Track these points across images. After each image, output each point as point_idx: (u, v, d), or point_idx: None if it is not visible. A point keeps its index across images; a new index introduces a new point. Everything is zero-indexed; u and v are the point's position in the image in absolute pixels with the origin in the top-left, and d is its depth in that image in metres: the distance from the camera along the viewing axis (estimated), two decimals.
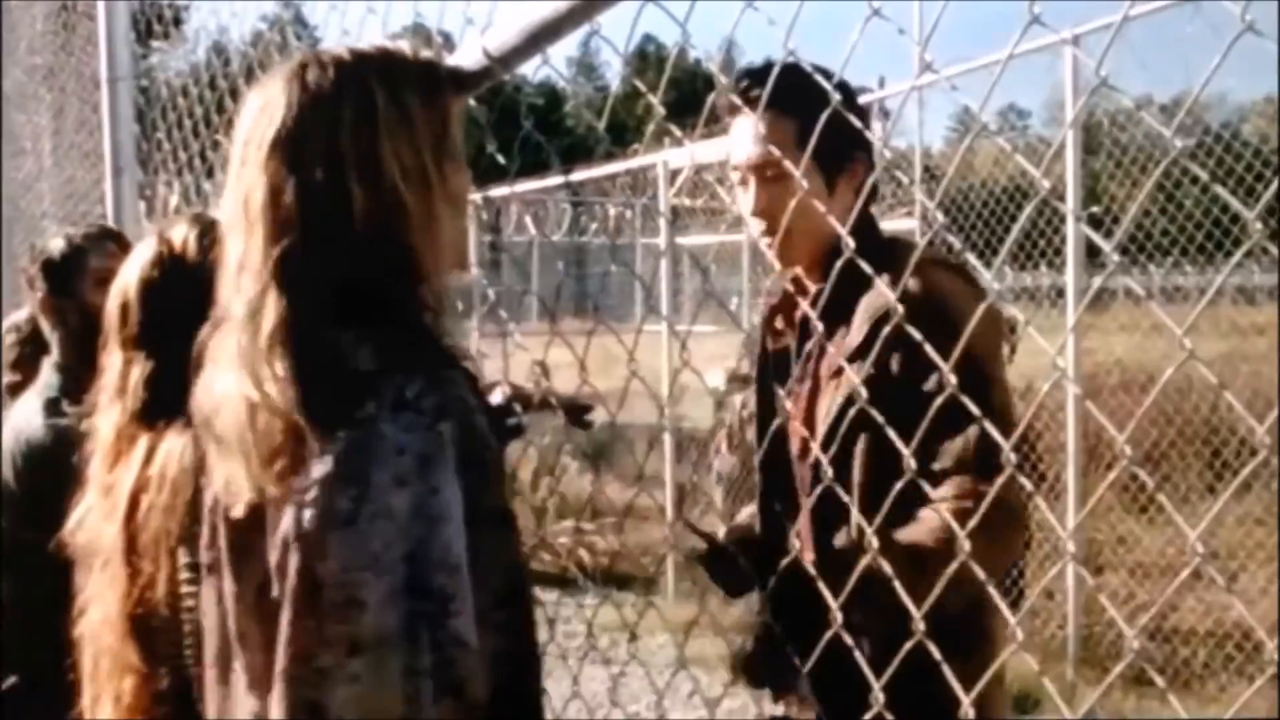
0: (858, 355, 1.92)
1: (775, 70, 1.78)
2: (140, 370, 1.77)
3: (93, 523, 1.76)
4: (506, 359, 2.87)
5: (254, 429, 1.23)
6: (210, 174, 4.04)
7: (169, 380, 1.72)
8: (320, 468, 1.18)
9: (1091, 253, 7.33)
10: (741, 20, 1.61)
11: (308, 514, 1.17)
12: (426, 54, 1.44)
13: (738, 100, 2.06)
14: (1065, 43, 5.55)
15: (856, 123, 1.91)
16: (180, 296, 1.68)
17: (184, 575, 1.64)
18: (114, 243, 2.81)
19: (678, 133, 2.10)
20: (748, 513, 2.40)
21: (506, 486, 1.36)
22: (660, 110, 1.81)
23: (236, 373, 1.26)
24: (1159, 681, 1.81)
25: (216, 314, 1.34)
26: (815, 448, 1.91)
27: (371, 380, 1.22)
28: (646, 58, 68.71)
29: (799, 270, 2.24)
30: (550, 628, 2.06)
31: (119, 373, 1.78)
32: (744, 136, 2.13)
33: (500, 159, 2.14)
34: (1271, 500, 6.68)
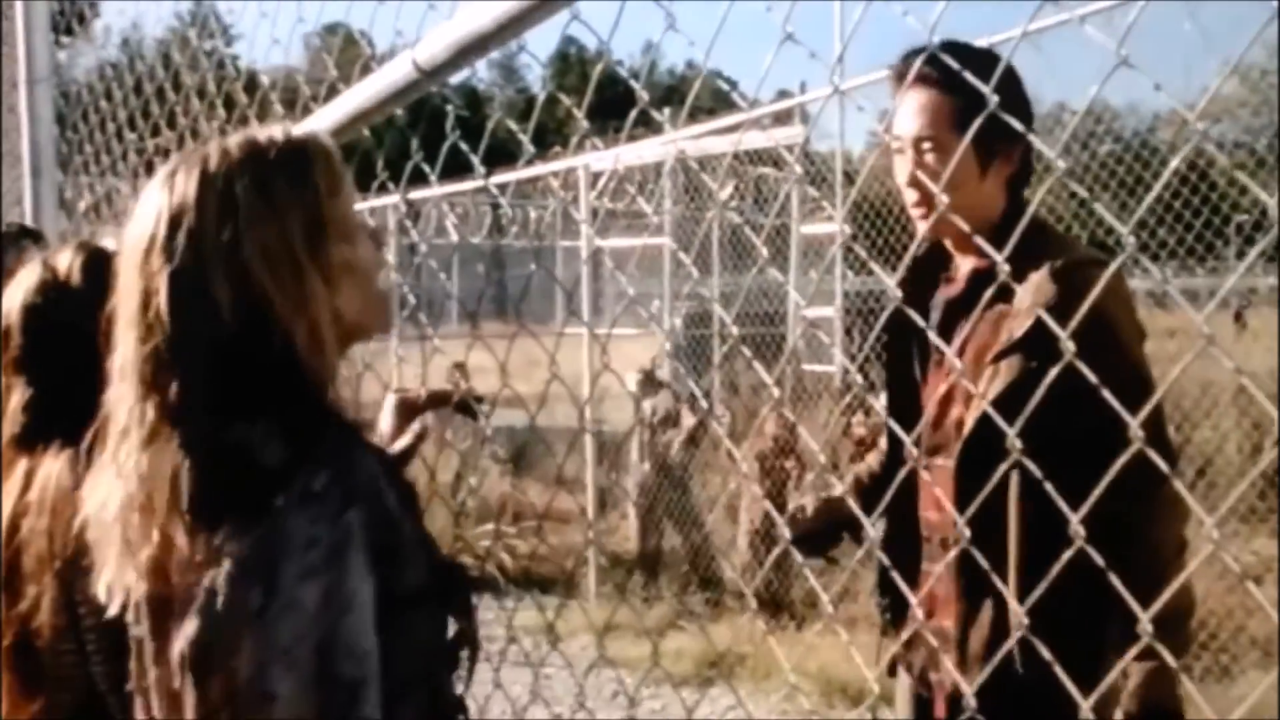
0: (1024, 343, 2.03)
1: (943, 51, 1.83)
2: (20, 395, 1.79)
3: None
4: (426, 363, 2.85)
5: (126, 526, 1.28)
6: (116, 173, 4.00)
7: (48, 405, 1.77)
8: (229, 564, 1.21)
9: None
10: (662, 23, 1.62)
11: (219, 608, 1.21)
12: (300, 132, 1.45)
13: (906, 74, 2.13)
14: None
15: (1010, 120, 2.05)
16: (62, 323, 1.74)
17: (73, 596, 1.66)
18: (32, 242, 2.76)
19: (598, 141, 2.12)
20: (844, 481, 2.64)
21: (424, 561, 1.36)
22: (584, 124, 1.84)
23: (111, 476, 1.31)
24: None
25: (101, 413, 1.39)
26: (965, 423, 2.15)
27: (279, 475, 1.24)
28: (568, 59, 68.74)
29: (949, 244, 2.36)
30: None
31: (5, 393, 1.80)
32: (907, 110, 2.22)
33: (423, 166, 2.17)
34: (1219, 514, 6.81)
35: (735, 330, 1.88)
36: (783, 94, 10.14)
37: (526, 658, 2.39)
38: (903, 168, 2.28)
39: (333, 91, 2.22)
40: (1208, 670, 5.66)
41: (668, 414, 8.14)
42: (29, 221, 3.35)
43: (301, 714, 1.17)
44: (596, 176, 9.54)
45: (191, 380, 1.29)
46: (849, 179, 9.23)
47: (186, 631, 1.23)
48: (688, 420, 8.11)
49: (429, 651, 1.38)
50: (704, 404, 8.43)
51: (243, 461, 1.26)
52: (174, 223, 1.33)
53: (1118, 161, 6.88)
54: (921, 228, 2.27)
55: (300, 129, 1.47)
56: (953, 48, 2.05)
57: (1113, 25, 4.51)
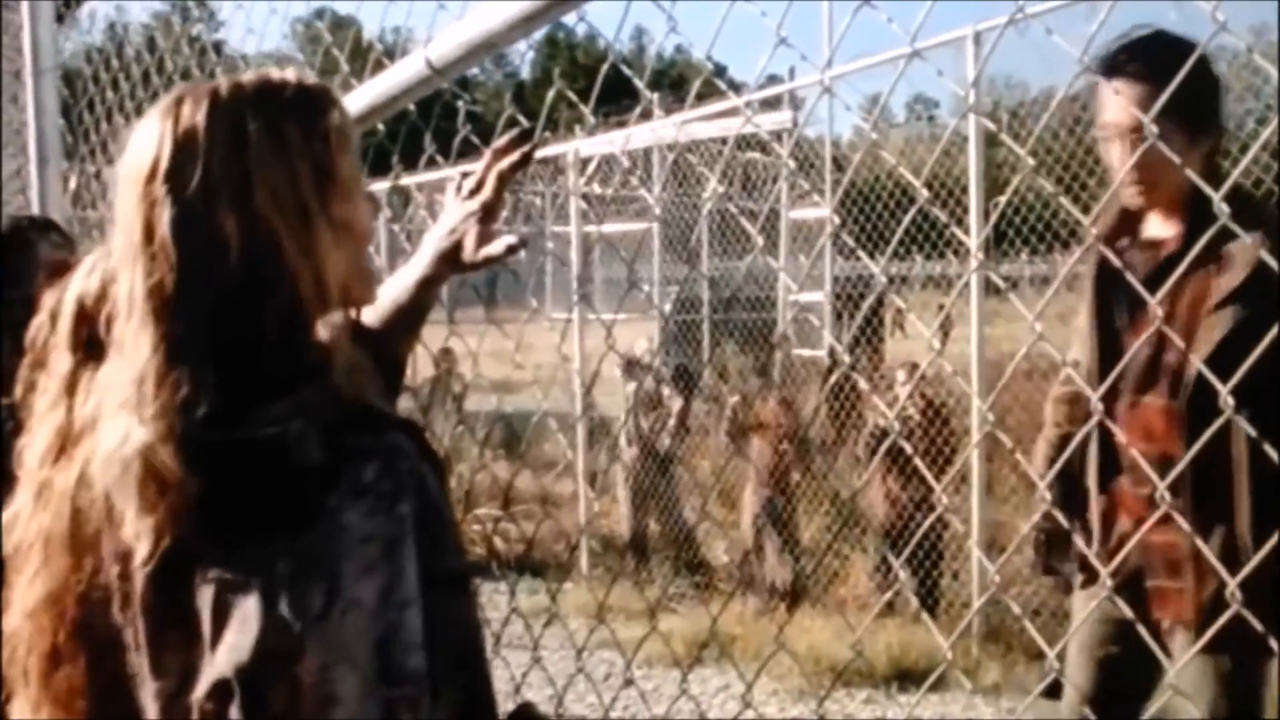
0: (1240, 294, 2.37)
1: (1146, 44, 2.43)
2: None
3: (24, 522, 1.74)
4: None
5: (142, 486, 1.21)
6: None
7: None
8: (284, 567, 1.17)
9: (997, 241, 7.50)
10: (646, 10, 1.66)
11: (282, 614, 1.16)
12: (312, 80, 1.41)
13: (1113, 67, 2.51)
14: (967, 38, 5.67)
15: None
16: None
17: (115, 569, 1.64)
18: (59, 235, 2.76)
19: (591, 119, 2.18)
20: None
21: (458, 543, 1.33)
22: (589, 117, 1.92)
23: (127, 424, 1.24)
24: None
25: (110, 342, 1.33)
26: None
27: (327, 472, 1.19)
28: (556, 44, 68.63)
29: (1156, 212, 2.67)
30: None
31: (67, 376, 1.76)
32: (1118, 102, 2.55)
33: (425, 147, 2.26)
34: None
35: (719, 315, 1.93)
36: (772, 79, 10.17)
37: (528, 640, 2.43)
38: (1115, 153, 2.60)
39: (334, 85, 2.26)
40: None
41: (649, 397, 8.18)
42: (35, 209, 3.37)
43: (366, 714, 1.15)
44: (585, 162, 9.56)
45: (200, 315, 1.24)
46: (837, 165, 9.27)
47: (230, 646, 1.18)
48: (675, 404, 8.15)
49: (467, 635, 1.34)
50: (693, 386, 8.46)
51: (282, 467, 1.20)
52: (180, 149, 1.28)
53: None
54: (1136, 203, 2.62)
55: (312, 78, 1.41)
56: (1153, 41, 2.51)
57: (1095, 11, 4.54)
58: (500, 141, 1.68)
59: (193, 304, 1.25)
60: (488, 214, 1.71)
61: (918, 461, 4.28)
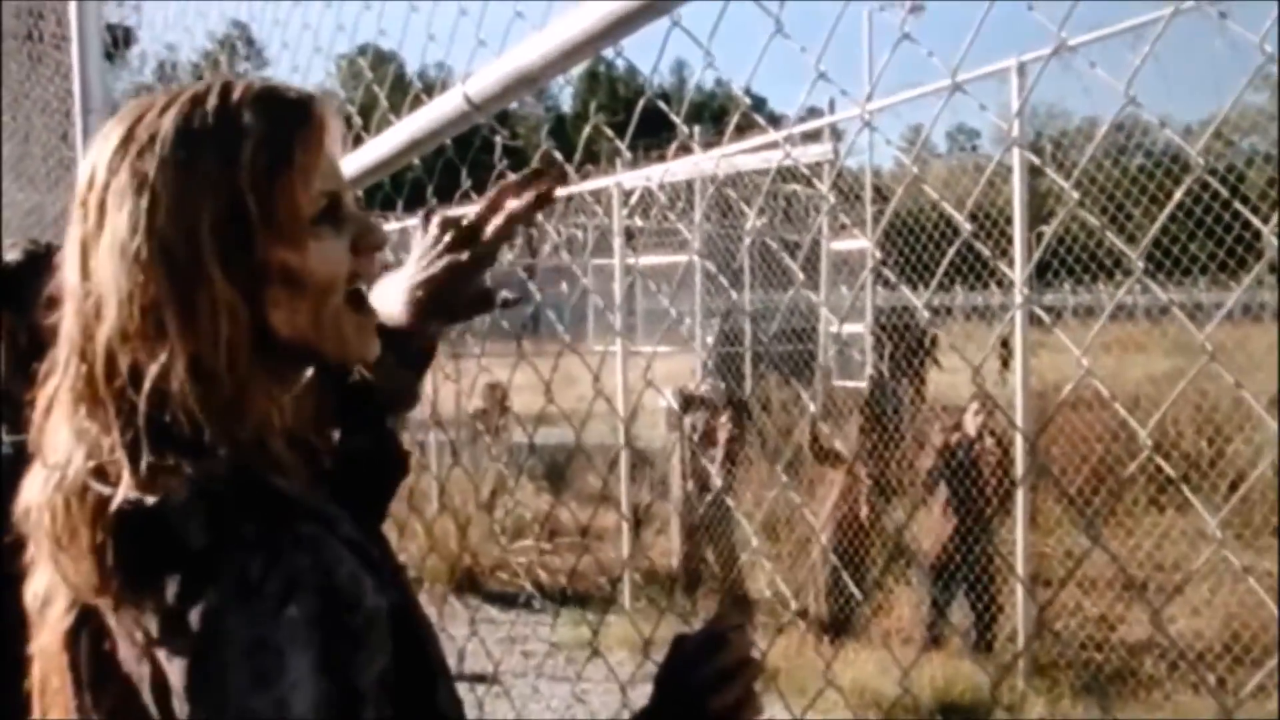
0: None
1: None
2: None
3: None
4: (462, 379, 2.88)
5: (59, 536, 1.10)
6: None
7: None
8: (172, 668, 1.04)
9: (1040, 271, 7.47)
10: (685, 43, 1.68)
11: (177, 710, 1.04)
12: (257, 88, 1.19)
13: None
14: (1011, 69, 5.67)
15: None
16: None
17: None
18: None
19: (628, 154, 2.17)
20: None
21: (387, 641, 1.11)
22: (627, 154, 1.90)
23: (45, 475, 1.13)
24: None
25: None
26: None
27: (206, 560, 1.03)
28: (597, 77, 68.96)
29: None
30: (509, 646, 2.10)
31: None
32: None
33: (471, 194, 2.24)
34: (1221, 515, 6.81)
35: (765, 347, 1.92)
36: (812, 112, 10.18)
37: (564, 675, 2.43)
38: None
39: (374, 120, 2.29)
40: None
41: (707, 429, 8.12)
42: None
43: None
44: (628, 195, 9.60)
45: (95, 380, 1.11)
46: (879, 195, 9.26)
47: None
48: (723, 433, 8.10)
49: None
50: (746, 415, 8.42)
51: (164, 540, 1.05)
52: (88, 182, 1.16)
53: (1149, 176, 6.89)
54: None
55: (276, 84, 1.21)
56: None
57: (1140, 40, 4.54)
58: (514, 178, 1.44)
59: (92, 359, 1.13)
60: (482, 263, 1.46)
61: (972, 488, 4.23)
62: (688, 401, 8.29)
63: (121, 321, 1.11)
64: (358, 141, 2.25)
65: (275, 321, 1.15)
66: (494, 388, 9.12)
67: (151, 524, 1.05)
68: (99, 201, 1.14)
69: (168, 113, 1.15)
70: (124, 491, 1.05)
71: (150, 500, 1.05)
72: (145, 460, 1.06)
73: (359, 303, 1.23)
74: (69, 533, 1.08)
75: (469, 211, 1.45)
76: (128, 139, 1.15)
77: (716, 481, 7.91)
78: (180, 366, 1.09)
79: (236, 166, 1.12)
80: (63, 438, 1.13)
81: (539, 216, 1.49)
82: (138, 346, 1.11)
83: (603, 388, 2.07)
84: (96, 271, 1.13)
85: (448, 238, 1.44)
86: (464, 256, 1.44)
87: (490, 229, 1.43)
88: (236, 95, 1.16)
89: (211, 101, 1.16)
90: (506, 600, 7.76)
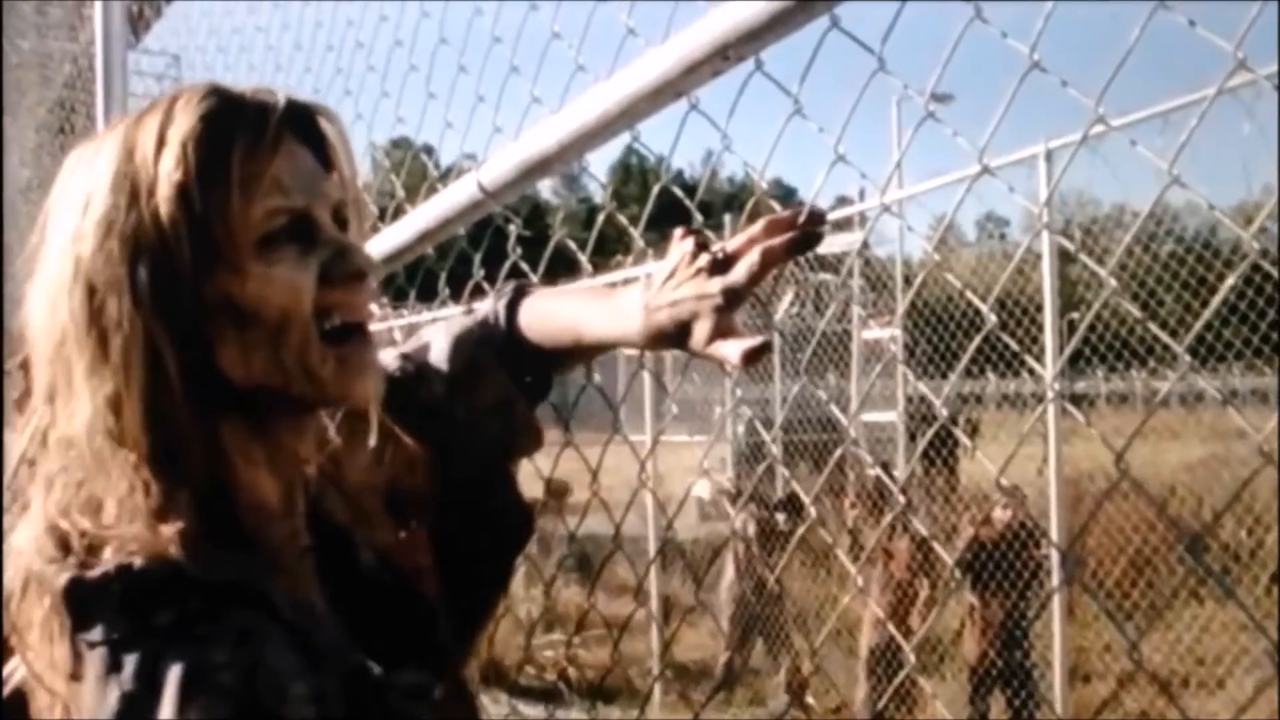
0: None
1: None
2: None
3: None
4: None
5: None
6: None
7: None
8: None
9: (1072, 358, 7.41)
10: (725, 134, 1.67)
11: None
12: (193, 90, 1.02)
13: None
14: (1039, 156, 5.67)
15: None
16: None
17: None
18: None
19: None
20: None
21: None
22: (639, 243, 1.87)
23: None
24: None
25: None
26: None
27: (117, 651, 0.88)
28: (630, 169, 69.58)
29: None
30: None
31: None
32: None
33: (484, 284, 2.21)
34: (1259, 606, 6.68)
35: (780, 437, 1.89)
36: (842, 200, 10.23)
37: None
38: None
39: (399, 211, 2.29)
40: None
41: (760, 523, 7.88)
42: None
43: None
44: None
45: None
46: (909, 283, 9.24)
47: None
48: (778, 527, 7.90)
49: None
50: (799, 510, 8.29)
51: (82, 618, 0.90)
52: (48, 211, 1.03)
53: (1180, 262, 6.86)
54: None
55: (203, 85, 1.02)
56: None
57: (1170, 125, 4.53)
58: (779, 213, 1.18)
59: (28, 412, 1.02)
60: (731, 299, 1.16)
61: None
62: (737, 494, 8.17)
63: (44, 365, 0.99)
64: (373, 231, 2.23)
65: (225, 363, 0.99)
66: (561, 490, 9.03)
67: (80, 604, 0.90)
68: (40, 234, 1.02)
69: (116, 127, 1.02)
70: (65, 568, 0.91)
71: (86, 575, 0.90)
72: (78, 529, 0.93)
73: (342, 337, 1.03)
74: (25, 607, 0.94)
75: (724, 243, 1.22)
76: (76, 161, 1.03)
77: (771, 576, 7.70)
78: (88, 418, 0.95)
79: (157, 178, 0.95)
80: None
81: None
82: (59, 392, 0.98)
83: (648, 478, 2.02)
84: (30, 312, 1.01)
85: (701, 261, 1.18)
86: (713, 288, 1.17)
87: (744, 264, 1.15)
88: (180, 101, 0.99)
89: (156, 110, 1.00)
90: (535, 695, 7.65)
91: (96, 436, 0.95)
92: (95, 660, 0.88)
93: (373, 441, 1.13)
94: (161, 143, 0.96)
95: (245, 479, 1.02)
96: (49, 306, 0.98)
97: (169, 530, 0.92)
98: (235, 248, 0.96)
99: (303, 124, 1.05)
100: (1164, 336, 1.20)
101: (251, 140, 0.98)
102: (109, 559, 0.90)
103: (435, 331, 1.37)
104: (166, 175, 0.95)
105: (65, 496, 0.95)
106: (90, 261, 0.96)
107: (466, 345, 1.32)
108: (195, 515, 0.94)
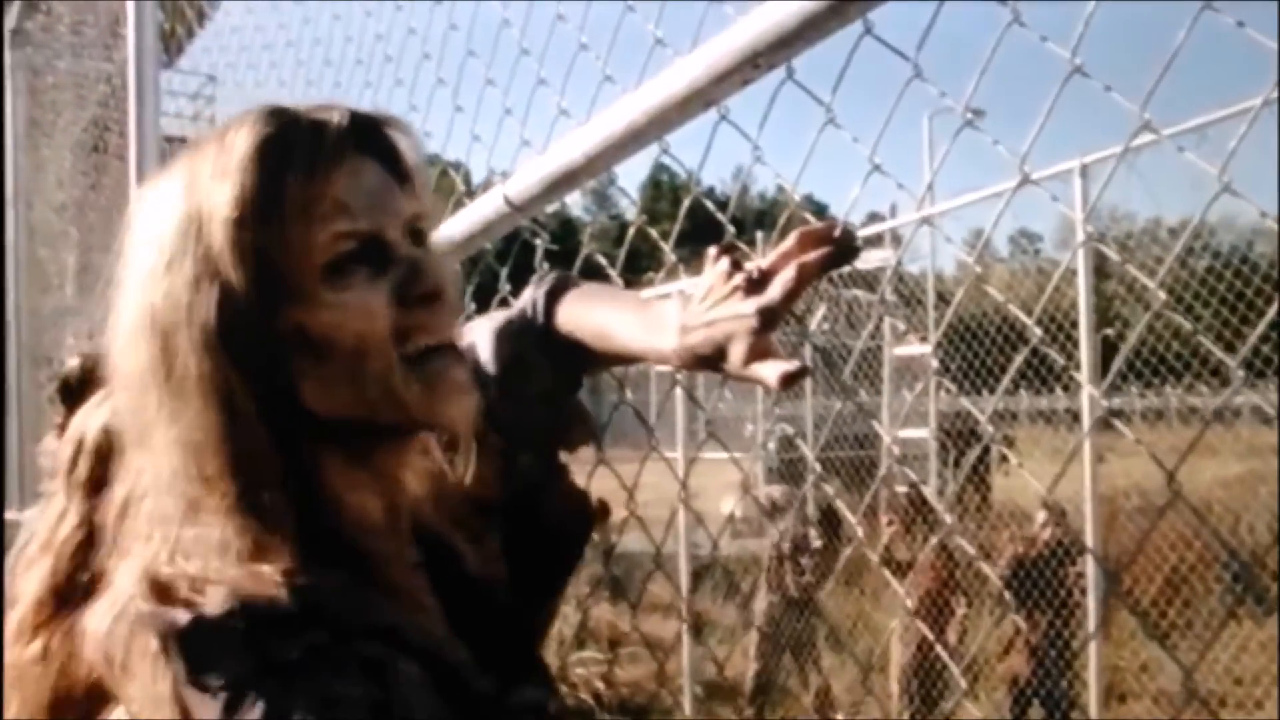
0: None
1: None
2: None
3: None
4: None
5: None
6: None
7: None
8: None
9: (1106, 374, 7.36)
10: (756, 145, 1.66)
11: None
12: (249, 122, 0.97)
13: None
14: (1074, 171, 5.64)
15: None
16: None
17: None
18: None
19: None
20: None
21: None
22: (671, 257, 1.85)
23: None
24: None
25: None
26: None
27: (241, 689, 0.85)
28: (660, 186, 69.60)
29: None
30: None
31: (55, 520, 1.43)
32: None
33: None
34: None
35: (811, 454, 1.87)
36: (873, 217, 10.20)
37: None
38: None
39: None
40: None
41: (795, 538, 7.78)
42: None
43: None
44: None
45: None
46: (942, 299, 9.21)
47: None
48: (813, 543, 7.84)
49: None
50: (836, 524, 8.25)
51: (201, 658, 0.87)
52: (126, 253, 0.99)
53: (1217, 277, 6.80)
54: None
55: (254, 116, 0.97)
56: None
57: (1206, 139, 4.49)
58: (817, 225, 1.11)
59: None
60: (768, 320, 1.10)
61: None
62: (774, 508, 8.13)
63: (128, 414, 0.96)
64: None
65: (308, 397, 0.95)
66: (604, 511, 8.99)
67: (200, 643, 0.86)
68: (116, 275, 0.98)
69: (181, 157, 0.98)
70: (178, 609, 0.88)
71: (206, 613, 0.87)
72: (183, 573, 0.90)
73: (426, 359, 0.98)
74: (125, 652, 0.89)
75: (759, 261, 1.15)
76: (145, 196, 0.99)
77: (806, 591, 7.62)
78: (172, 465, 0.92)
79: (214, 213, 0.92)
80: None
81: None
82: (144, 439, 0.95)
83: (686, 495, 2.01)
84: (112, 358, 0.97)
85: (736, 279, 1.12)
86: (748, 308, 1.10)
87: (780, 283, 1.08)
88: (236, 127, 0.96)
89: (214, 138, 0.96)
90: (568, 713, 7.63)
91: (182, 483, 0.92)
92: (214, 701, 0.84)
93: (471, 462, 1.10)
94: (217, 173, 0.93)
95: (349, 502, 0.99)
96: (126, 354, 0.95)
97: (269, 570, 0.89)
98: (301, 277, 0.92)
99: (369, 138, 1.00)
100: (1218, 352, 1.17)
101: (308, 162, 0.94)
102: (224, 599, 0.87)
103: (479, 329, 1.33)
104: (222, 208, 0.91)
105: (165, 543, 0.92)
106: (159, 305, 0.93)
107: (509, 339, 1.29)
108: (298, 547, 0.91)
